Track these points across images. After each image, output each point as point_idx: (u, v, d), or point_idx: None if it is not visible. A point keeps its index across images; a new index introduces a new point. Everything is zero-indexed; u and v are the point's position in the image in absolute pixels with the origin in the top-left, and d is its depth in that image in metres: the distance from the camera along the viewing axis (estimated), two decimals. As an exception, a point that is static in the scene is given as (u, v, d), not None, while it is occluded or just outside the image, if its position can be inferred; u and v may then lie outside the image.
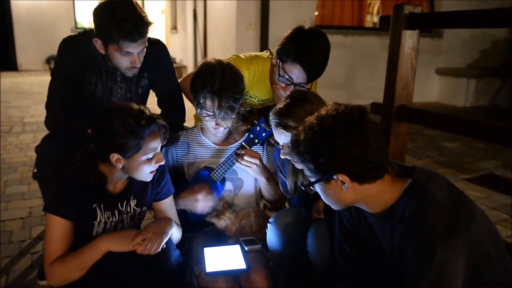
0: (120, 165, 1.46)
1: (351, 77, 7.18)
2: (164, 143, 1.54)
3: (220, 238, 1.91)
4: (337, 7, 7.40)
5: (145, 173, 1.51)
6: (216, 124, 1.80)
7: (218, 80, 1.71)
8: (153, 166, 1.52)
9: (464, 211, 1.11)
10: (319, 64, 1.87)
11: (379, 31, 6.98)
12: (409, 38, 1.94)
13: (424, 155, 4.49)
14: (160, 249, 1.48)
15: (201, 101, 1.74)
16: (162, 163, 1.54)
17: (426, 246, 1.04)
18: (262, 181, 1.91)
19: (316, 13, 6.97)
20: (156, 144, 1.48)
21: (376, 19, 8.07)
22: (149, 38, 1.90)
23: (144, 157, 1.47)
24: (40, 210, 2.79)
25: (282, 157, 1.62)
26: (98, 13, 1.77)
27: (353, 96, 7.23)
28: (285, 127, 1.52)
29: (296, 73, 1.86)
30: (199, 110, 1.79)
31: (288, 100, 1.56)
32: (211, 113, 1.75)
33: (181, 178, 1.99)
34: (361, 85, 7.17)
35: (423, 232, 1.06)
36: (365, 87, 7.09)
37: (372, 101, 2.18)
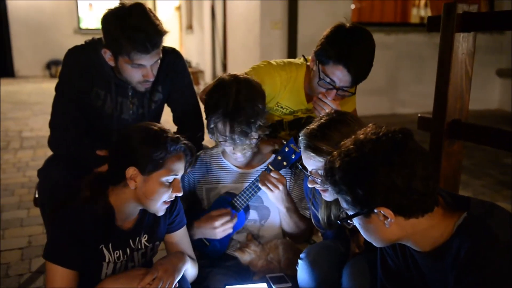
0: (134, 186, 1.48)
1: (394, 82, 7.14)
2: (188, 171, 1.59)
3: (244, 274, 1.92)
4: (377, 1, 7.40)
5: (160, 201, 1.53)
6: (234, 149, 1.85)
7: (231, 101, 1.74)
8: (169, 196, 1.54)
9: None
10: (364, 64, 1.91)
11: (428, 28, 6.94)
12: (463, 42, 1.92)
13: (484, 174, 4.41)
14: None
15: (212, 126, 1.79)
16: (180, 194, 1.57)
17: None
18: (282, 211, 1.93)
19: (353, 6, 6.97)
20: (179, 166, 1.52)
21: (423, 12, 8.02)
22: (163, 47, 1.97)
23: (164, 179, 1.49)
24: (41, 239, 2.87)
25: (309, 185, 1.63)
26: (107, 20, 1.85)
27: (397, 103, 7.19)
28: (316, 150, 1.52)
29: (339, 75, 1.89)
30: (210, 136, 1.84)
31: (322, 120, 1.58)
32: (225, 138, 1.79)
33: (197, 206, 2.03)
34: (406, 91, 7.12)
35: (482, 279, 1.06)
36: (411, 93, 7.04)
37: (419, 111, 2.17)
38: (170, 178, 1.51)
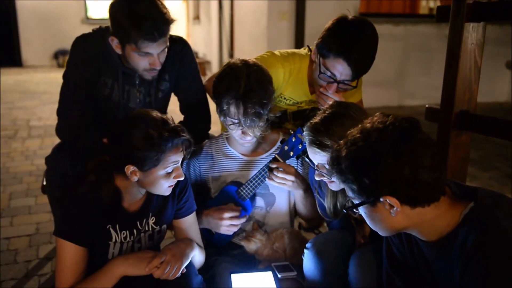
0: (135, 178, 1.51)
1: (403, 73, 7.10)
2: (188, 157, 1.59)
3: (250, 262, 1.94)
4: (386, -9, 7.35)
5: (163, 187, 1.57)
6: (243, 132, 1.84)
7: (243, 83, 1.75)
8: (171, 181, 1.57)
9: None
10: (365, 58, 1.88)
11: (437, 19, 6.88)
12: (473, 32, 1.90)
13: (491, 167, 4.39)
14: (179, 273, 1.53)
15: (225, 108, 1.78)
16: (182, 178, 1.59)
17: (494, 287, 1.03)
18: (299, 194, 1.93)
19: (361, -2, 6.94)
20: (176, 158, 1.53)
21: (432, 4, 7.95)
22: (170, 36, 1.97)
23: (162, 172, 1.52)
24: (49, 226, 2.91)
25: (316, 178, 1.63)
26: (115, 8, 1.85)
27: (405, 95, 7.15)
28: (321, 145, 1.52)
29: (340, 68, 1.87)
30: (222, 118, 1.84)
31: (326, 113, 1.57)
32: (236, 121, 1.79)
33: (205, 194, 2.04)
34: (415, 83, 7.08)
35: (489, 270, 1.05)
36: (419, 85, 7.00)
37: (427, 103, 2.15)
38: (169, 169, 1.53)
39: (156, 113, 1.54)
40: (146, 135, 1.45)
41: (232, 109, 1.77)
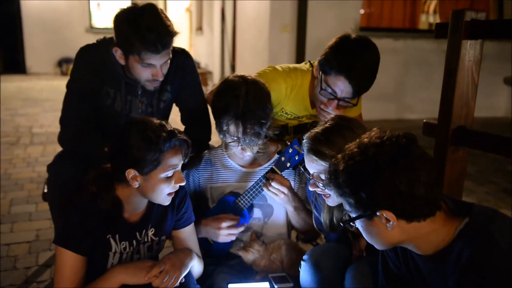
0: (137, 184, 1.51)
1: (402, 87, 7.13)
2: (186, 161, 1.60)
3: (247, 273, 1.94)
4: (386, 6, 7.38)
5: (163, 194, 1.57)
6: (242, 149, 1.86)
7: (242, 103, 1.75)
8: (172, 187, 1.57)
9: None
10: (366, 77, 1.90)
11: (436, 34, 6.91)
12: (470, 49, 1.92)
13: (488, 181, 4.39)
14: (178, 283, 1.53)
15: (224, 128, 1.79)
16: (183, 183, 1.59)
17: None
18: (290, 210, 1.95)
19: (362, 11, 6.98)
20: (176, 161, 1.54)
21: (432, 19, 8.00)
22: (173, 47, 1.99)
23: (163, 175, 1.52)
24: (49, 233, 2.91)
25: (310, 189, 1.63)
26: (119, 19, 1.87)
27: (404, 109, 7.17)
28: (319, 154, 1.53)
29: (341, 86, 1.89)
30: (221, 136, 1.85)
31: (327, 125, 1.58)
32: (236, 139, 1.81)
33: (203, 204, 2.04)
34: (414, 97, 7.11)
35: (483, 285, 1.06)
36: (418, 99, 7.03)
37: (425, 117, 2.17)
38: (170, 172, 1.54)
39: (154, 119, 1.55)
40: (144, 136, 1.47)
41: (232, 128, 1.78)
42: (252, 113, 1.75)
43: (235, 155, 1.98)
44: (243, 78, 1.84)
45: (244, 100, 1.75)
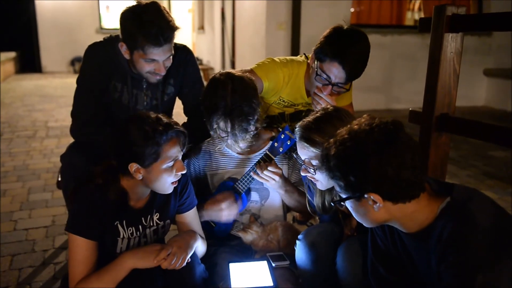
0: (140, 176, 1.50)
1: (390, 80, 7.10)
2: (184, 151, 1.58)
3: (247, 253, 1.94)
4: (375, 4, 7.35)
5: (166, 183, 1.55)
6: (235, 141, 1.84)
7: (229, 101, 1.73)
8: (174, 176, 1.55)
9: (509, 235, 1.08)
10: (359, 64, 1.90)
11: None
12: (452, 42, 1.91)
13: (469, 165, 4.38)
14: (185, 263, 1.52)
15: (214, 126, 1.78)
16: (184, 172, 1.58)
17: (466, 274, 1.03)
18: (281, 193, 1.95)
19: (352, 10, 6.93)
20: (175, 152, 1.52)
21: (417, 16, 7.96)
22: (175, 44, 1.97)
23: (164, 166, 1.51)
24: (64, 219, 2.90)
25: (302, 174, 1.62)
26: (124, 17, 1.86)
27: (392, 100, 7.15)
28: (310, 141, 1.52)
29: (335, 71, 1.89)
30: (212, 133, 1.83)
31: (318, 114, 1.57)
32: (226, 134, 1.79)
33: (204, 190, 2.03)
34: (401, 88, 7.08)
35: (463, 259, 1.05)
36: (405, 90, 7.00)
37: (411, 107, 2.16)
38: (170, 163, 1.52)
39: (151, 113, 1.54)
40: (141, 131, 1.45)
41: (221, 124, 1.77)
42: (239, 110, 1.73)
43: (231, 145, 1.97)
44: (229, 75, 1.81)
45: (231, 98, 1.74)
